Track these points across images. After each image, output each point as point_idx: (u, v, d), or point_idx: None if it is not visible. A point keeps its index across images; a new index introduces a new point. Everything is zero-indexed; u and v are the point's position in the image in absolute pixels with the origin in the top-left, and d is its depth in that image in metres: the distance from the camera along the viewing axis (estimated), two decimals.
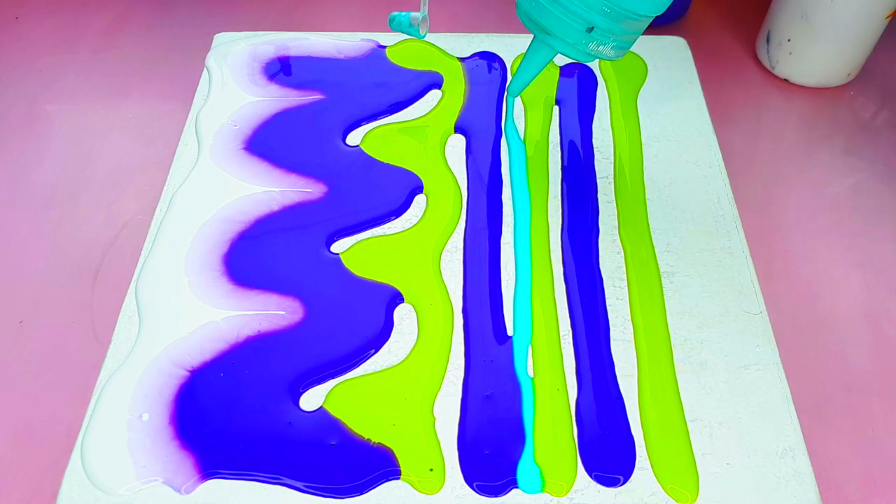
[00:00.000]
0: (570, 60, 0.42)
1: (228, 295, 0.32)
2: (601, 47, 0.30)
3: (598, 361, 0.30)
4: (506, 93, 0.38)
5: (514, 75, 0.35)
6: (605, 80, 0.41)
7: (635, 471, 0.27)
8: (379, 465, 0.27)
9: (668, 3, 0.30)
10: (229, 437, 0.28)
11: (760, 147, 0.41)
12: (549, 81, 0.41)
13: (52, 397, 0.31)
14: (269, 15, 0.49)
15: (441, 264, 0.33)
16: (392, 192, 0.36)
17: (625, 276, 0.33)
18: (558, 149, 0.38)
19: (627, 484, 0.27)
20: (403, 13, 0.36)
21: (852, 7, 0.39)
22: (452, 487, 0.27)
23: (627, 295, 0.32)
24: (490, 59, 0.43)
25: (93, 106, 0.44)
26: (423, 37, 0.37)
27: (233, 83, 0.41)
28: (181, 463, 0.27)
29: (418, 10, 0.36)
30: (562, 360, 0.30)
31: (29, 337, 0.33)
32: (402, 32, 0.37)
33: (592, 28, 0.29)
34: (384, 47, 0.43)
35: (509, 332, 0.31)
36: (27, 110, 0.44)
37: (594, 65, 0.42)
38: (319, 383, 0.30)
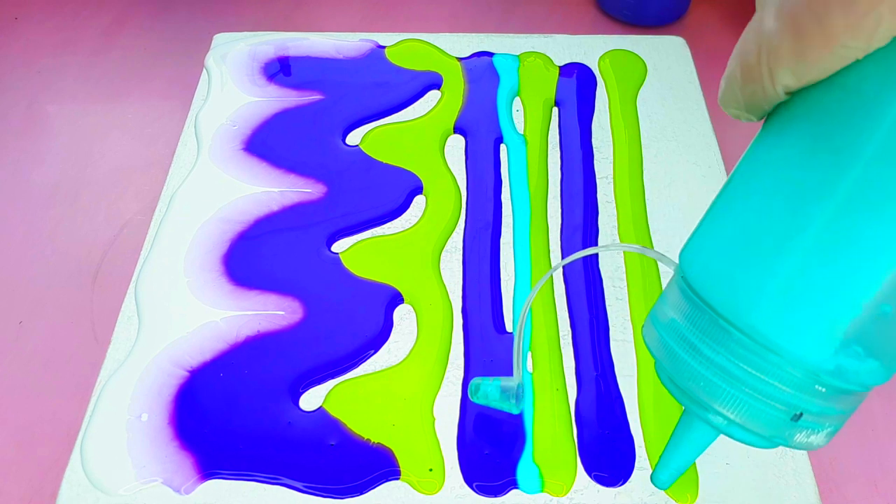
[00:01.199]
0: (569, 62, 0.42)
1: (228, 295, 0.32)
2: (811, 437, 0.20)
3: (598, 361, 0.30)
4: (651, 479, 0.24)
5: (662, 459, 0.23)
6: (604, 80, 0.41)
7: (635, 471, 0.27)
8: (379, 465, 0.27)
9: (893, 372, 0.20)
10: (229, 437, 0.28)
11: None
12: (548, 82, 0.41)
13: (52, 397, 0.31)
14: (269, 15, 0.49)
15: (441, 264, 0.33)
16: (392, 192, 0.36)
17: (625, 276, 0.33)
18: (558, 149, 0.38)
19: (627, 484, 0.27)
20: (489, 381, 0.27)
21: None
22: (452, 487, 0.27)
23: (627, 295, 0.32)
24: (490, 59, 0.43)
25: (93, 106, 0.44)
26: (521, 411, 0.28)
27: (232, 83, 0.41)
28: (181, 463, 0.27)
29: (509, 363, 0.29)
30: (561, 360, 0.30)
31: (29, 337, 0.33)
32: (491, 406, 0.27)
33: (801, 415, 0.19)
34: (383, 47, 0.43)
35: (509, 331, 0.31)
36: (27, 110, 0.44)
37: (594, 65, 0.42)
38: (319, 383, 0.30)
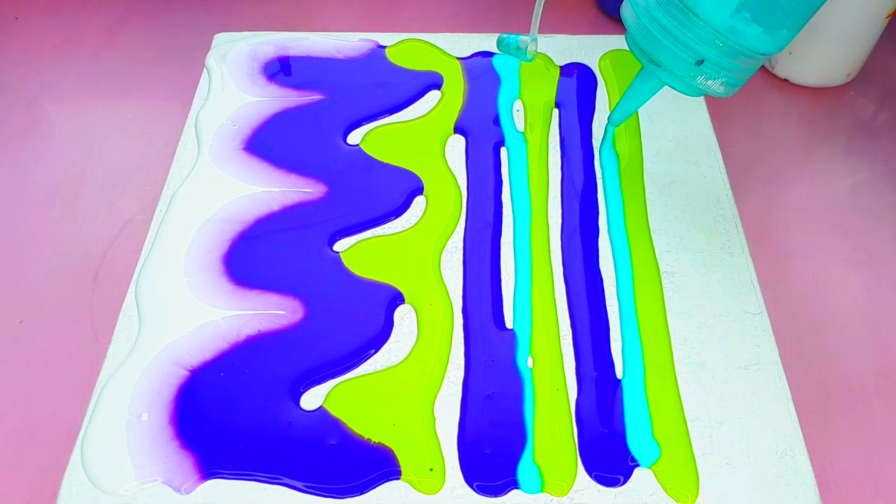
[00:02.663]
0: (568, 66, 0.42)
1: (228, 295, 0.32)
2: (710, 82, 0.29)
3: (598, 361, 0.30)
4: (607, 121, 0.36)
5: (616, 104, 0.35)
6: (604, 81, 0.41)
7: (635, 471, 0.27)
8: (379, 465, 0.27)
9: (786, 42, 0.28)
10: (229, 436, 0.28)
11: (760, 147, 0.41)
12: (549, 81, 0.41)
13: (52, 397, 0.31)
14: (269, 15, 0.49)
15: (441, 264, 0.33)
16: (392, 193, 0.36)
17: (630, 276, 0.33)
18: (558, 149, 0.38)
19: (627, 484, 0.27)
20: (512, 35, 0.36)
21: (852, 7, 0.39)
22: (452, 487, 0.27)
23: (633, 296, 0.32)
24: (489, 59, 0.43)
25: (93, 106, 0.44)
26: (531, 60, 0.37)
27: (232, 83, 0.41)
28: (181, 463, 0.27)
29: (514, 32, 0.36)
30: (562, 360, 0.30)
31: (29, 337, 0.33)
32: (509, 54, 0.37)
33: (702, 61, 0.28)
34: (384, 47, 0.43)
35: (509, 327, 0.31)
36: (27, 110, 0.44)
37: (594, 65, 0.42)
38: (319, 383, 0.30)
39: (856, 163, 0.41)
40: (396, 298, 0.32)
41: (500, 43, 0.37)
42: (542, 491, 0.27)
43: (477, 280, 0.33)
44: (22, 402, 0.31)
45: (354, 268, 0.33)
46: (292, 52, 0.43)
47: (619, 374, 0.30)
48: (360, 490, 0.27)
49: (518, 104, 0.40)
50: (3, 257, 0.36)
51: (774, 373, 0.30)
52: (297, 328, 0.31)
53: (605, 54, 0.43)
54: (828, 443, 0.30)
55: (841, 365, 0.32)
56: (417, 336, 0.31)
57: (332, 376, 0.30)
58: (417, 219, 0.35)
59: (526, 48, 0.36)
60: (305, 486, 0.27)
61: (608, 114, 0.37)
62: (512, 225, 0.35)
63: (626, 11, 0.31)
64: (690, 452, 0.28)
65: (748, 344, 0.31)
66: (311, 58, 0.42)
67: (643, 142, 0.38)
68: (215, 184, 0.36)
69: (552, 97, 0.40)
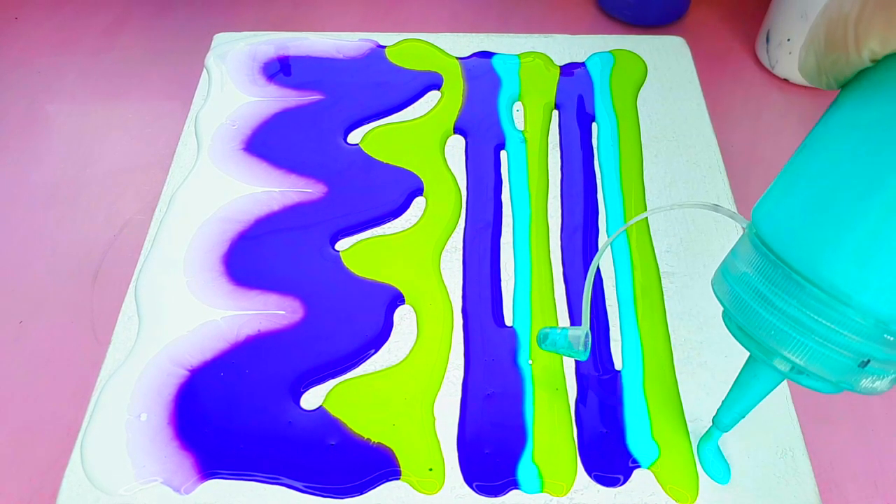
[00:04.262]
0: (569, 62, 0.42)
1: (228, 295, 0.32)
2: (877, 383, 0.21)
3: (598, 361, 0.30)
4: (713, 422, 0.26)
5: (724, 403, 0.25)
6: (593, 80, 0.41)
7: (635, 471, 0.27)
8: (379, 465, 0.27)
9: None
10: (229, 436, 0.28)
11: (760, 147, 0.41)
12: (549, 81, 0.41)
13: (52, 397, 0.31)
14: (269, 15, 0.49)
15: (441, 264, 0.33)
16: (392, 193, 0.36)
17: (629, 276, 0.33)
18: (558, 149, 0.38)
19: (627, 484, 0.27)
20: (558, 330, 0.28)
21: None
22: (452, 487, 0.27)
23: (632, 296, 0.32)
24: (489, 59, 0.43)
25: (93, 106, 0.44)
26: (587, 357, 0.29)
27: (232, 83, 0.41)
28: (181, 463, 0.27)
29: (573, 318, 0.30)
30: (562, 360, 0.30)
31: (29, 337, 0.33)
32: (559, 353, 0.28)
33: (868, 361, 0.20)
34: (383, 47, 0.43)
35: (509, 324, 0.31)
36: (27, 110, 0.44)
37: (594, 65, 0.42)
38: (319, 383, 0.30)
39: None
40: (396, 298, 0.32)
41: (542, 341, 0.28)
42: (541, 491, 0.27)
43: (477, 280, 0.33)
44: (22, 402, 0.31)
45: (354, 268, 0.33)
46: (292, 52, 0.43)
47: (619, 375, 0.30)
48: (360, 490, 0.27)
49: (518, 104, 0.40)
50: (3, 257, 0.36)
51: None
52: (297, 328, 0.31)
53: (592, 55, 0.42)
54: (828, 443, 0.30)
55: None
56: (417, 336, 0.31)
57: (332, 376, 0.30)
58: (417, 219, 0.35)
59: (580, 344, 0.27)
60: (305, 486, 0.27)
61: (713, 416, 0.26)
62: (512, 225, 0.35)
63: (736, 301, 0.22)
64: (690, 452, 0.28)
65: None
66: (311, 58, 0.42)
67: (643, 142, 0.38)
68: (215, 184, 0.36)
69: (552, 97, 0.40)
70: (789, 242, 0.20)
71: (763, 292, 0.21)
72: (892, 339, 0.20)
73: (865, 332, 0.20)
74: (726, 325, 0.23)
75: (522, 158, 0.38)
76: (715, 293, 0.23)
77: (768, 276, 0.21)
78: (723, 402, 0.25)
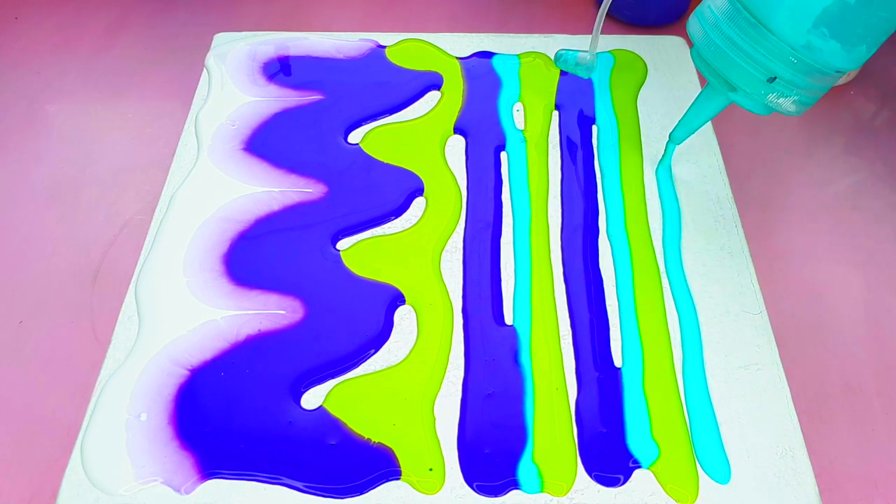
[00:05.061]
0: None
1: (228, 295, 0.32)
2: (781, 100, 0.28)
3: (598, 361, 0.30)
4: (668, 139, 0.35)
5: (680, 122, 0.34)
6: (593, 80, 0.41)
7: (635, 471, 0.27)
8: (379, 464, 0.27)
9: (864, 59, 0.27)
10: (229, 436, 0.28)
11: (760, 147, 0.41)
12: (549, 81, 0.41)
13: (52, 397, 0.31)
14: (269, 15, 0.49)
15: (441, 264, 0.33)
16: (392, 192, 0.36)
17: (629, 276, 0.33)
18: (558, 149, 0.38)
19: (627, 484, 0.27)
20: (571, 51, 0.36)
21: None
22: (452, 487, 0.27)
23: (632, 296, 0.32)
24: (489, 59, 0.43)
25: (93, 106, 0.44)
26: (589, 77, 0.38)
27: (232, 83, 0.41)
28: (181, 463, 0.27)
29: (574, 48, 0.36)
30: (562, 360, 0.30)
31: (29, 337, 0.33)
32: (568, 70, 0.37)
33: (774, 78, 0.27)
34: (384, 47, 0.43)
35: (509, 323, 0.31)
36: (27, 110, 0.43)
37: None
38: (319, 383, 0.30)
39: (856, 163, 0.41)
40: (397, 298, 0.32)
41: (557, 59, 0.37)
42: (541, 491, 0.27)
43: (477, 280, 0.33)
44: (22, 402, 0.31)
45: (354, 267, 0.33)
46: (292, 52, 0.43)
47: (619, 375, 0.30)
48: (360, 490, 0.27)
49: (518, 105, 0.40)
50: (3, 257, 0.36)
51: (774, 373, 0.30)
52: (298, 328, 0.31)
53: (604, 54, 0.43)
54: (828, 443, 0.30)
55: (841, 365, 0.32)
56: (417, 336, 0.31)
57: (332, 376, 0.30)
58: (417, 219, 0.35)
59: (585, 64, 0.35)
60: (305, 486, 0.27)
61: (669, 131, 0.35)
62: (512, 225, 0.35)
63: (694, 27, 0.30)
64: (690, 452, 0.28)
65: (748, 344, 0.31)
66: (311, 58, 0.42)
67: (643, 142, 0.38)
68: (215, 184, 0.36)
69: (552, 97, 0.40)
70: None
71: (720, 24, 0.28)
72: (794, 61, 0.27)
73: (776, 53, 0.27)
74: (693, 60, 0.30)
75: (522, 158, 0.38)
76: (688, 31, 0.30)
77: (726, 13, 0.28)
78: (679, 121, 0.33)
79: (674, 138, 0.34)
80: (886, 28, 0.27)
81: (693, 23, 0.30)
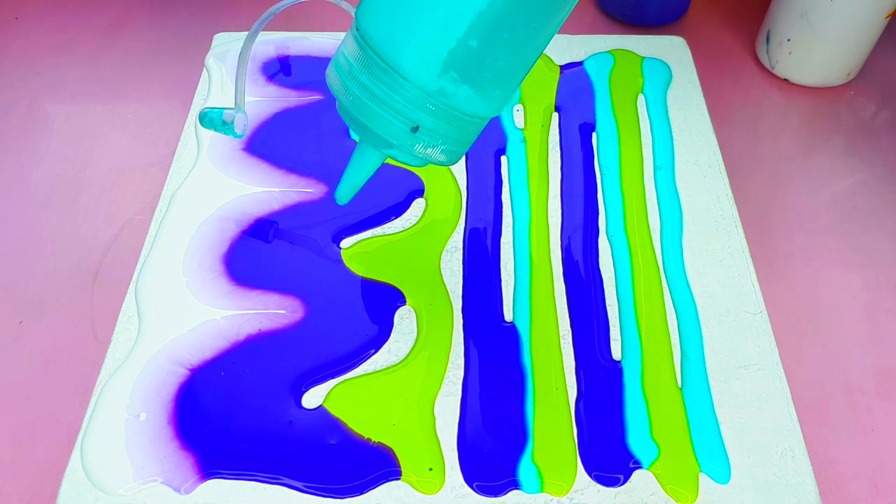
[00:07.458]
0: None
1: (228, 295, 0.32)
2: (429, 150, 0.26)
3: (597, 361, 0.30)
4: (335, 197, 0.30)
5: (341, 181, 0.30)
6: (592, 81, 0.41)
7: (635, 471, 0.27)
8: (379, 464, 0.27)
9: (503, 104, 0.26)
10: (229, 436, 0.28)
11: (760, 147, 0.41)
12: (549, 82, 0.41)
13: (52, 397, 0.31)
14: None
15: (441, 264, 0.33)
16: (393, 192, 0.36)
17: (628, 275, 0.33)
18: (558, 149, 0.38)
19: (627, 484, 0.27)
20: (216, 109, 0.32)
21: (852, 7, 0.39)
22: (452, 487, 0.27)
23: (632, 296, 0.32)
24: None
25: (93, 106, 0.44)
26: (241, 136, 0.33)
27: (232, 83, 0.41)
28: (181, 463, 0.27)
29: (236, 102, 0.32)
30: (561, 360, 0.30)
31: (29, 337, 0.33)
32: (216, 130, 0.32)
33: (417, 128, 0.25)
34: None
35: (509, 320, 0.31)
36: (27, 110, 0.44)
37: (593, 65, 0.42)
38: (319, 383, 0.30)
39: (856, 163, 0.41)
40: (397, 298, 0.32)
41: (202, 119, 0.32)
42: (541, 491, 0.27)
43: (477, 280, 0.33)
44: (22, 402, 0.31)
45: (354, 267, 0.33)
46: (292, 52, 0.43)
47: (619, 375, 0.30)
48: (360, 490, 0.27)
49: (518, 105, 0.40)
50: (3, 257, 0.36)
51: (774, 373, 0.30)
52: (298, 327, 0.31)
53: (590, 56, 0.42)
54: (828, 443, 0.30)
55: (841, 365, 0.32)
56: (417, 336, 0.31)
57: (333, 376, 0.30)
58: (417, 219, 0.35)
59: (232, 122, 0.31)
60: (305, 486, 0.27)
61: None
62: (512, 225, 0.35)
63: (331, 77, 0.26)
64: (691, 452, 0.28)
65: (748, 344, 0.31)
66: (311, 58, 0.42)
67: (643, 142, 0.38)
68: (215, 184, 0.36)
69: (552, 97, 0.40)
70: (373, 27, 0.24)
71: (355, 73, 0.25)
72: (433, 108, 0.24)
73: (413, 101, 0.24)
74: (340, 114, 0.27)
75: (522, 159, 0.38)
76: (328, 84, 0.27)
77: (359, 59, 0.25)
78: (340, 181, 0.30)
79: (338, 198, 0.30)
80: (514, 72, 0.25)
81: (331, 72, 0.26)
